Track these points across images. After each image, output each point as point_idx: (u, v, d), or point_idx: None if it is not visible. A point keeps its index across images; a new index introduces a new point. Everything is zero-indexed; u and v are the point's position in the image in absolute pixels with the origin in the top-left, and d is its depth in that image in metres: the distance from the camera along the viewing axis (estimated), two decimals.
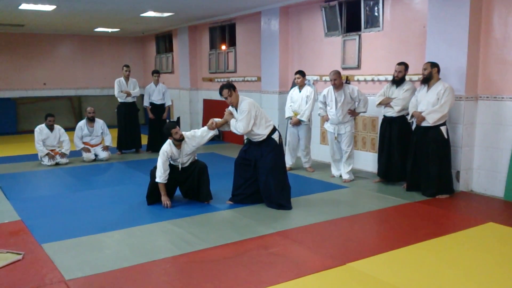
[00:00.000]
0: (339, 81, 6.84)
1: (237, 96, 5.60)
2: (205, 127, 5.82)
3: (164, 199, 5.71)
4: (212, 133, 5.83)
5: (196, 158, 6.06)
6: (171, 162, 5.81)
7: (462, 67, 6.13)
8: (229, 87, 5.55)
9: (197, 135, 5.80)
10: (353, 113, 6.97)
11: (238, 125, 5.53)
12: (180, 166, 5.83)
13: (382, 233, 4.96)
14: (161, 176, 5.66)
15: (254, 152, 5.68)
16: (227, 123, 5.72)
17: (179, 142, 5.69)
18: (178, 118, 13.09)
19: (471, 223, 5.07)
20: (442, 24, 6.28)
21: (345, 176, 7.04)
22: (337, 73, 6.86)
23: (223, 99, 5.68)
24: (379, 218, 5.42)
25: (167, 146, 5.72)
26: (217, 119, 5.80)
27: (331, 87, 6.96)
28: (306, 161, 7.83)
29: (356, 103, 6.91)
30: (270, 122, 5.69)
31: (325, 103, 7.13)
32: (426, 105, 5.99)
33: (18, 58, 14.08)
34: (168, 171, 5.70)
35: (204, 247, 4.37)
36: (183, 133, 5.74)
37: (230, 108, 5.73)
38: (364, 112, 7.00)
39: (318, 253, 4.23)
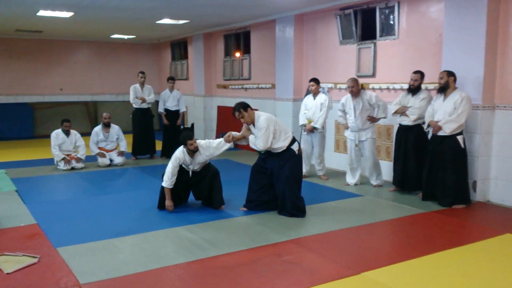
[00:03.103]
0: (356, 89, 6.84)
1: (251, 114, 5.55)
2: (222, 139, 5.83)
3: (168, 204, 5.75)
4: (227, 145, 5.83)
5: (208, 162, 6.07)
6: (183, 166, 5.83)
7: (479, 76, 6.07)
8: (239, 109, 5.51)
9: (212, 146, 5.79)
10: (372, 119, 6.95)
11: (257, 142, 5.51)
12: (190, 172, 5.85)
13: (397, 243, 4.91)
14: (167, 181, 5.69)
15: (273, 161, 5.66)
16: (244, 138, 5.73)
17: (192, 152, 5.71)
18: (192, 125, 13.14)
19: (488, 234, 5.00)
20: (459, 32, 6.24)
21: (375, 182, 7.13)
22: (354, 80, 6.86)
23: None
24: (394, 227, 5.37)
25: (180, 153, 5.73)
26: (234, 133, 5.80)
27: (349, 95, 6.95)
28: (320, 169, 7.80)
29: (376, 109, 6.88)
30: (288, 133, 5.67)
31: (344, 111, 7.11)
32: (443, 114, 5.94)
33: (36, 64, 14.26)
34: (175, 177, 5.72)
35: (217, 254, 4.37)
36: (198, 141, 5.76)
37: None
38: (385, 117, 6.95)
39: (333, 262, 4.20)
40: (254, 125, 5.58)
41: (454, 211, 5.83)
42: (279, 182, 5.60)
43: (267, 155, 5.76)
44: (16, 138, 13.39)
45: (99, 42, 15.06)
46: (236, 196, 6.27)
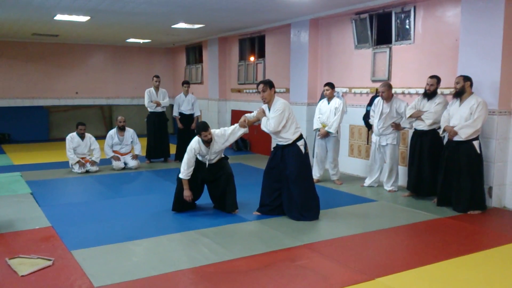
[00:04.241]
0: (387, 94, 6.82)
1: (272, 94, 5.57)
2: (236, 125, 5.85)
3: (186, 194, 5.78)
4: (242, 130, 5.85)
5: (223, 155, 6.08)
6: (199, 158, 5.85)
7: (495, 81, 6.01)
8: (267, 83, 5.55)
9: (227, 133, 5.83)
10: (397, 127, 6.90)
11: (269, 122, 5.53)
12: (207, 163, 5.86)
13: (412, 248, 4.85)
14: (183, 172, 5.73)
15: (278, 156, 5.68)
16: (258, 120, 5.75)
17: (208, 142, 5.73)
18: None
19: (504, 240, 4.93)
20: (475, 37, 6.18)
21: (389, 188, 7.10)
22: (387, 85, 6.83)
23: (250, 111, 5.69)
24: (409, 232, 5.31)
25: (195, 144, 5.76)
26: (249, 116, 5.82)
27: None
28: (334, 173, 7.77)
29: (403, 118, 6.80)
30: (298, 128, 5.67)
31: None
32: (459, 119, 5.88)
33: (52, 67, 14.42)
34: (192, 168, 5.75)
35: (230, 258, 4.36)
36: (213, 131, 5.78)
37: (263, 106, 5.74)
38: (410, 128, 6.87)
39: (346, 267, 4.17)
40: (269, 107, 5.61)
41: (469, 217, 5.76)
42: (287, 183, 5.61)
43: (274, 152, 5.76)
44: (31, 141, 13.55)
45: (115, 46, 15.19)
46: (249, 200, 6.27)
